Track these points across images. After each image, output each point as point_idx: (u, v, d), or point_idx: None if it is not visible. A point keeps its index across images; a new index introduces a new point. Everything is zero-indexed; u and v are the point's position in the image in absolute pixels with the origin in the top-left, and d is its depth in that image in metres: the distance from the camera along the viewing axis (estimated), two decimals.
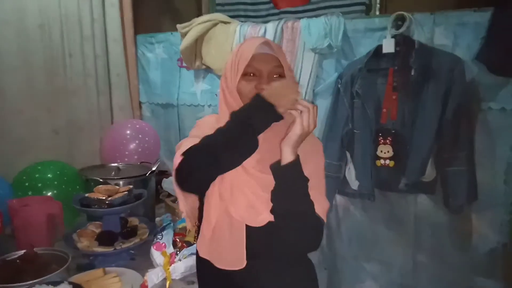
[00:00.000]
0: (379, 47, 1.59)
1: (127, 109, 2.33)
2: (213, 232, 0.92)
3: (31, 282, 1.10)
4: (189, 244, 1.43)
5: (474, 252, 1.56)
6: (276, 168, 0.86)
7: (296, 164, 0.85)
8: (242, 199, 0.91)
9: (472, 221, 1.53)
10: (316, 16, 1.90)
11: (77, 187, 1.70)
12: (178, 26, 2.06)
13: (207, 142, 0.87)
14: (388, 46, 1.56)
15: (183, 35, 2.05)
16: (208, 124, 0.98)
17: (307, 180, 0.87)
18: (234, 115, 0.86)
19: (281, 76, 0.93)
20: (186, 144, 0.90)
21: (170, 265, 1.30)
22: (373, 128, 1.61)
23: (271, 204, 0.89)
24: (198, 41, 2.03)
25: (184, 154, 0.87)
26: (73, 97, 2.03)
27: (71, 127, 2.04)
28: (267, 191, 0.89)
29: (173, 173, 0.89)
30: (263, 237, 0.90)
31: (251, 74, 0.92)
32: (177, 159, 0.88)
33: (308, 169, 0.88)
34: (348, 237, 1.81)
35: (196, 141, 0.88)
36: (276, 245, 0.90)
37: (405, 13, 1.54)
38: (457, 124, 1.47)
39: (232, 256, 0.91)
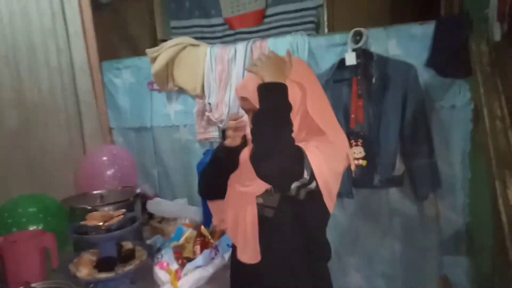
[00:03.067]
0: (342, 60, 1.77)
1: (98, 136, 2.30)
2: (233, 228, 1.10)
3: None
4: (189, 259, 1.48)
5: (442, 234, 1.76)
6: (259, 87, 0.94)
7: (277, 85, 0.91)
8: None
9: (438, 206, 1.74)
10: (268, 35, 2.07)
11: (62, 218, 1.67)
12: (147, 50, 2.10)
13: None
14: (350, 59, 1.74)
15: (153, 59, 2.11)
16: None
17: (289, 106, 0.92)
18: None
19: None
20: None
21: (178, 281, 1.33)
22: (344, 132, 1.76)
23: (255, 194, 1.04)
24: (169, 64, 2.09)
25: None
26: (44, 131, 1.98)
27: (45, 161, 1.99)
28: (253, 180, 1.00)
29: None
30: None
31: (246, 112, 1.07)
32: None
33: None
34: (330, 235, 1.94)
35: None
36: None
37: (362, 29, 1.74)
38: (416, 122, 1.67)
39: (248, 251, 1.06)
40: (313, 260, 1.10)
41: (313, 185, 0.94)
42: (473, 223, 1.66)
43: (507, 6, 1.73)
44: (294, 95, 0.99)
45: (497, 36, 1.59)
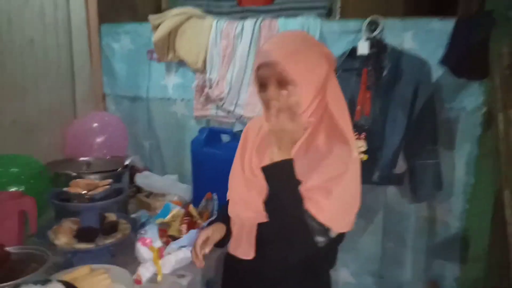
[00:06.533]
0: (354, 49, 1.69)
1: (90, 101, 2.20)
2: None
3: (17, 281, 1.01)
4: (173, 238, 1.42)
5: (436, 238, 1.72)
6: (264, 169, 0.90)
7: (281, 165, 0.86)
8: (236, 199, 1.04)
9: (435, 209, 1.69)
10: (278, 16, 1.97)
11: (45, 182, 1.59)
12: (150, 17, 1.99)
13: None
14: (363, 48, 1.66)
15: (155, 27, 2.00)
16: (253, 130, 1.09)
17: (297, 182, 0.87)
18: None
19: (291, 83, 0.89)
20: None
21: (160, 259, 1.27)
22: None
23: (257, 203, 0.95)
24: (172, 34, 1.98)
25: None
26: (34, 87, 1.87)
27: (31, 119, 1.88)
28: (258, 190, 0.95)
29: None
30: (266, 233, 0.97)
31: (264, 84, 0.93)
32: None
33: (327, 175, 0.89)
34: None
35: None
36: (272, 246, 0.96)
37: (378, 18, 1.65)
38: (423, 121, 1.61)
39: (243, 247, 0.99)
40: (316, 268, 1.04)
41: (332, 234, 0.91)
42: (470, 230, 1.63)
43: None
44: (320, 71, 0.90)
45: None
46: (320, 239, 0.88)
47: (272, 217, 0.91)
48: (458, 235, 1.65)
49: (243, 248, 0.98)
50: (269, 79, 0.91)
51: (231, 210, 1.06)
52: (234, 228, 1.05)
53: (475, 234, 1.57)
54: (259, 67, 0.93)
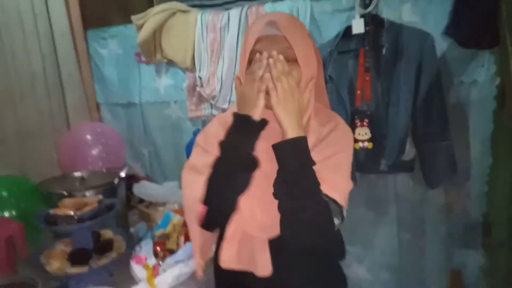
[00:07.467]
0: (348, 28, 1.55)
1: (83, 111, 2.14)
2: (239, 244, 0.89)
3: None
4: (172, 251, 1.34)
5: (455, 225, 1.59)
6: (275, 146, 0.80)
7: (296, 141, 0.78)
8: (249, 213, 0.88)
9: (451, 194, 1.56)
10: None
11: (38, 203, 1.53)
12: (133, 17, 1.90)
13: (214, 186, 0.85)
14: (358, 27, 1.52)
15: (139, 27, 1.90)
16: (215, 134, 0.91)
17: (311, 162, 0.79)
18: (222, 145, 0.83)
19: (294, 60, 0.82)
20: (196, 166, 0.94)
21: (155, 278, 1.20)
22: (348, 111, 1.58)
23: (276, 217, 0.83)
24: (157, 33, 1.89)
25: (205, 203, 0.86)
26: (20, 102, 1.82)
27: (21, 136, 1.84)
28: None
29: (197, 219, 0.88)
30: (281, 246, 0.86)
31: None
32: (197, 203, 0.86)
33: (328, 152, 0.84)
34: None
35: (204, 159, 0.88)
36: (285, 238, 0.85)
37: None
38: (430, 100, 1.47)
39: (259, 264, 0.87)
40: (326, 259, 0.99)
41: (344, 214, 0.86)
42: (491, 214, 1.49)
43: None
44: (314, 60, 0.87)
45: None
46: (336, 221, 0.82)
47: (284, 205, 0.81)
48: (479, 220, 1.52)
49: (260, 266, 0.86)
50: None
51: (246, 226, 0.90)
52: (243, 255, 0.90)
53: (497, 218, 1.44)
54: (259, 39, 0.83)
